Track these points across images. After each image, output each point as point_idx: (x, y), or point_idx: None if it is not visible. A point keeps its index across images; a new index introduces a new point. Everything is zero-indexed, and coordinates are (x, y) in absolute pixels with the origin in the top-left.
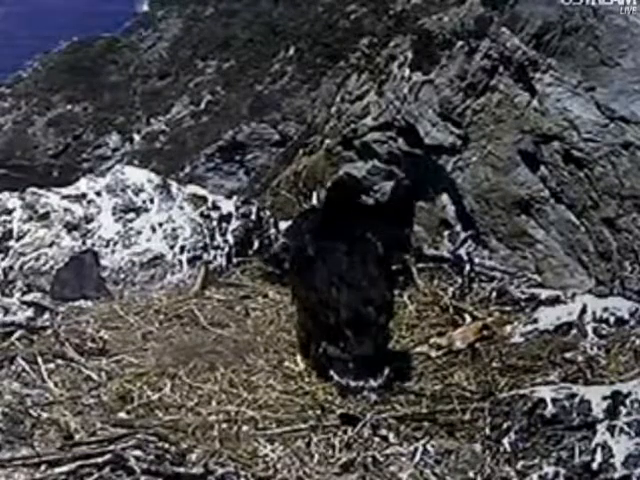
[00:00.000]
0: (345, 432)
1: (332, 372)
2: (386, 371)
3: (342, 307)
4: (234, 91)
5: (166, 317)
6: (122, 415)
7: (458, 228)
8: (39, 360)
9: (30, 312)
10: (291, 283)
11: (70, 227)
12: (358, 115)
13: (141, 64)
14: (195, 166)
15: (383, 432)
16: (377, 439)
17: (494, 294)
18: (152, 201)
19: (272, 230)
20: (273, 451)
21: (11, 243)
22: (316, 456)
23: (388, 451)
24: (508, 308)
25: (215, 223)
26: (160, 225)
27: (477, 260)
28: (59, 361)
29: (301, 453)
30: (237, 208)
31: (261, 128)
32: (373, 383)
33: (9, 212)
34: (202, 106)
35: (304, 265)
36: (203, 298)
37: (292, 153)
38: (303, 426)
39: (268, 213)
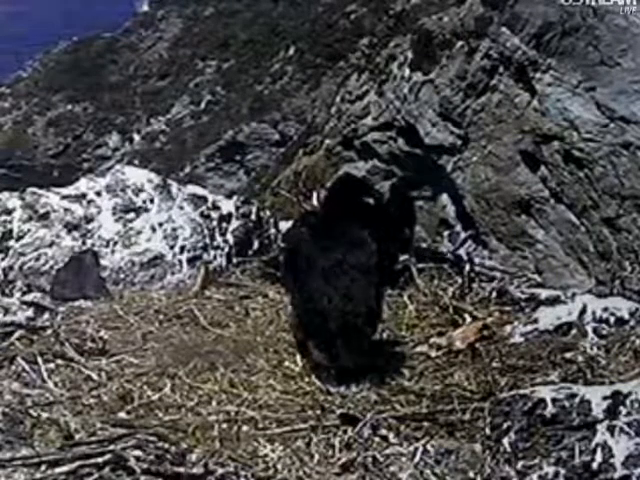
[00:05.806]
0: (345, 432)
1: (314, 376)
2: (369, 379)
3: (332, 318)
4: (234, 91)
5: (166, 317)
6: (122, 415)
7: (458, 228)
8: (39, 360)
9: (30, 312)
10: (285, 286)
11: (70, 227)
12: (358, 115)
13: (141, 64)
14: (195, 166)
15: (383, 432)
16: (377, 439)
17: (494, 294)
18: (152, 201)
19: (272, 230)
20: (273, 451)
21: (11, 243)
22: (316, 456)
23: (388, 451)
24: (508, 308)
25: (215, 223)
26: (160, 225)
27: (477, 260)
28: (59, 361)
29: (301, 453)
30: (237, 208)
31: (261, 128)
32: (355, 389)
33: (9, 212)
34: (202, 106)
35: (299, 270)
36: (203, 298)
37: (292, 153)
38: (303, 426)
39: (268, 213)
